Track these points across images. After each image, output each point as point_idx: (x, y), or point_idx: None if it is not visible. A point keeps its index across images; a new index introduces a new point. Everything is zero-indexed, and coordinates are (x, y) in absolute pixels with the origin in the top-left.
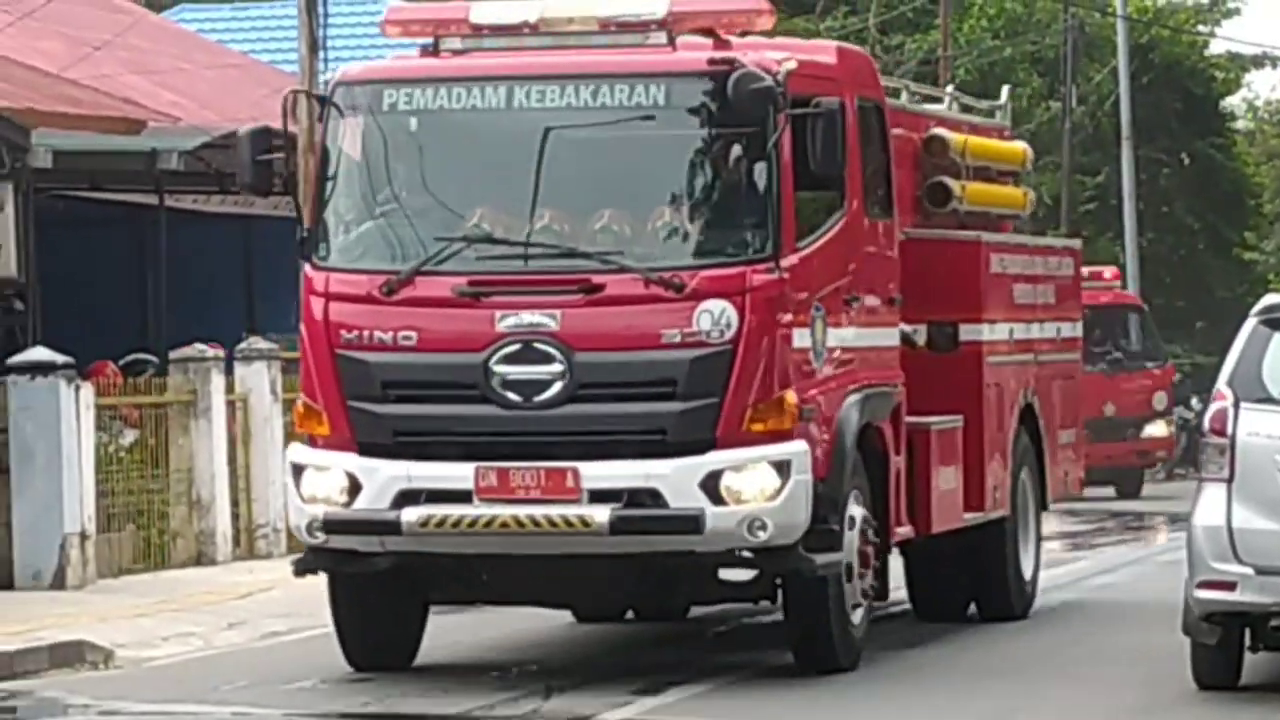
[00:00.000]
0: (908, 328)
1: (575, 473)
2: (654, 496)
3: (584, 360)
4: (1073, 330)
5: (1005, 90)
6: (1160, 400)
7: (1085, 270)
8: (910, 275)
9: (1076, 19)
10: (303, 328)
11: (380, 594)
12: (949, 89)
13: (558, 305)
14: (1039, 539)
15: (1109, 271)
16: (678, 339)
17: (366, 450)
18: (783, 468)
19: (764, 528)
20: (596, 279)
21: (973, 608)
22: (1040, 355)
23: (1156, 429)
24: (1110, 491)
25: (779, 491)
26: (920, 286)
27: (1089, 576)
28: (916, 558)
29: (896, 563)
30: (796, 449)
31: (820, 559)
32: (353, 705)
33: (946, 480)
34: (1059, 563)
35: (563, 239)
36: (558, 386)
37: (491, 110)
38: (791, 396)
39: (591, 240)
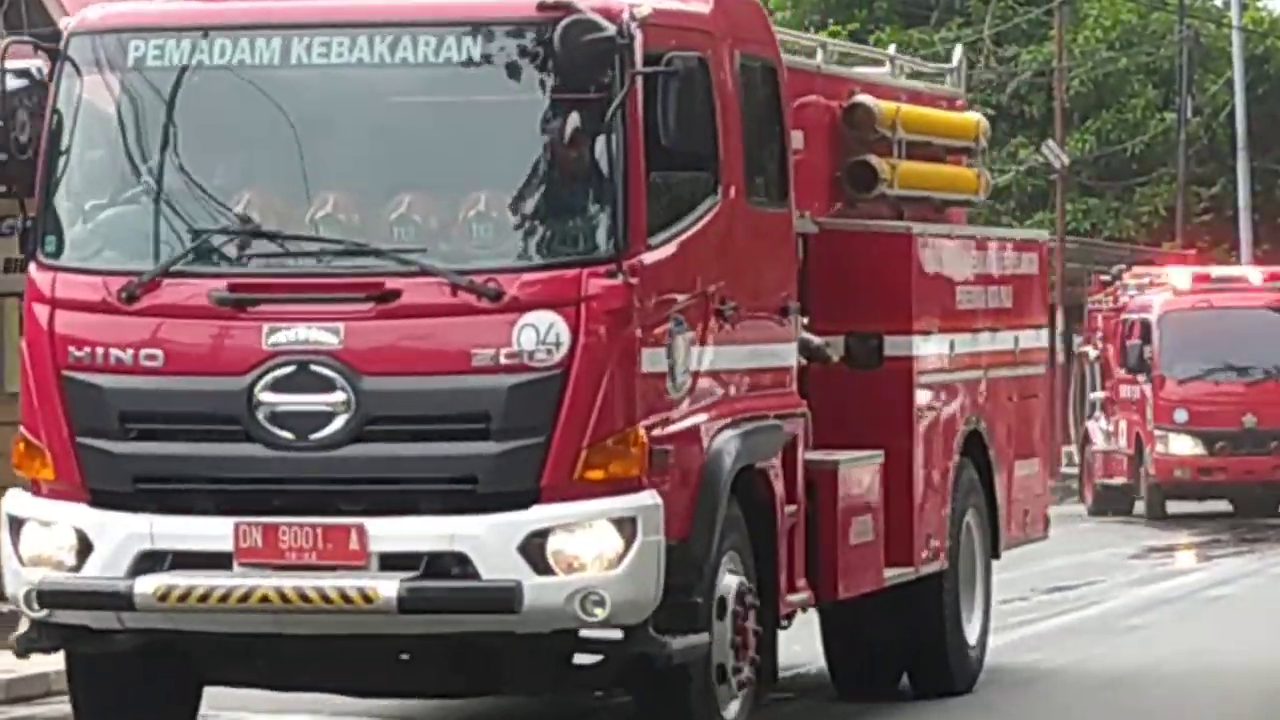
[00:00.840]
0: (819, 340)
1: (361, 531)
2: (461, 563)
3: (374, 388)
4: (1036, 340)
5: (958, 50)
6: None
7: (1221, 271)
8: (825, 275)
9: (1192, 30)
10: (23, 343)
11: (131, 676)
12: (893, 54)
13: (341, 317)
14: (989, 595)
15: (1259, 274)
16: (493, 361)
17: (100, 500)
18: (627, 526)
19: (601, 604)
20: (391, 284)
21: (906, 680)
22: (991, 371)
23: None
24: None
25: (621, 557)
26: (837, 289)
27: (1204, 587)
28: (834, 620)
29: (804, 631)
30: (645, 502)
31: (678, 642)
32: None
33: (861, 531)
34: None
35: (349, 232)
36: (340, 421)
37: (264, 67)
38: (640, 434)
39: (386, 234)
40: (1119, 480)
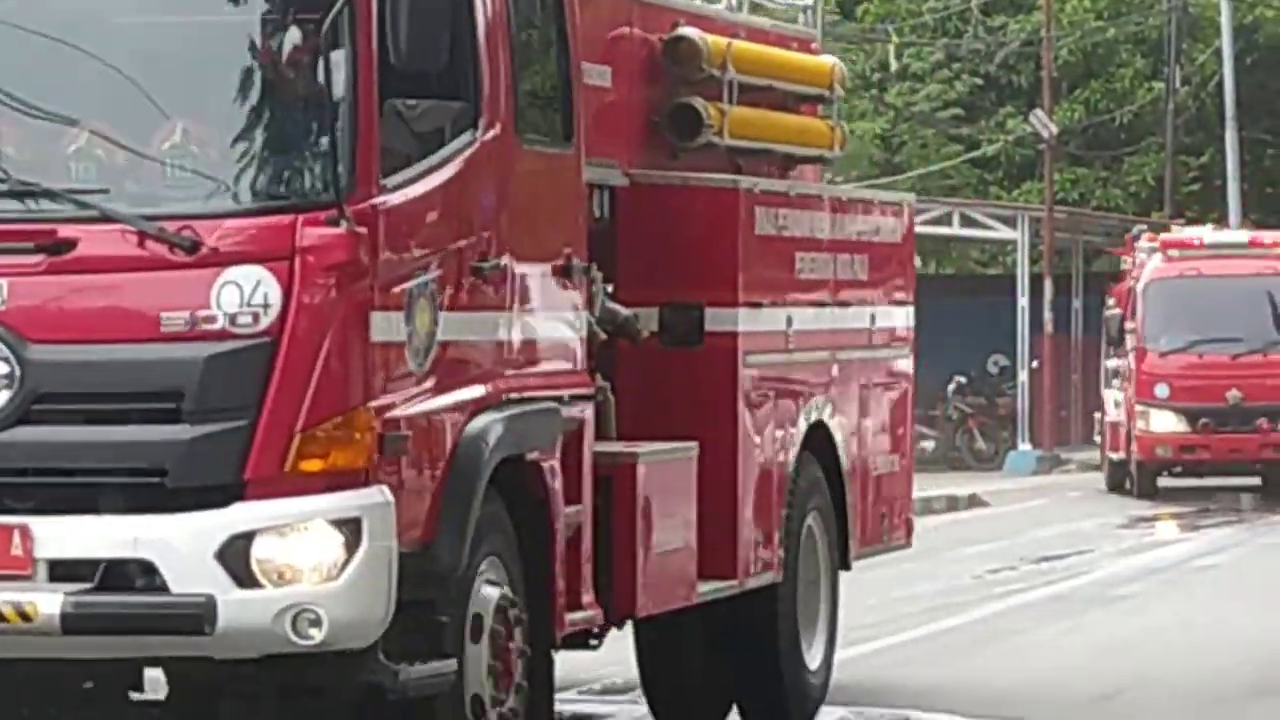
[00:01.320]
0: (627, 311)
1: (25, 533)
2: (146, 572)
3: (42, 358)
4: (900, 318)
5: None
6: None
7: (1216, 236)
8: (637, 236)
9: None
10: None
11: None
12: None
13: (3, 272)
14: (835, 612)
15: (1266, 238)
16: (187, 326)
17: None
18: (349, 529)
19: (317, 623)
20: (65, 232)
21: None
22: (842, 353)
23: None
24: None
25: (342, 566)
26: (651, 253)
27: (1194, 556)
28: (649, 642)
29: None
30: (372, 500)
31: (416, 670)
32: None
33: (668, 537)
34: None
35: (17, 169)
36: (0, 399)
37: None
38: (368, 416)
39: (62, 172)
40: (1119, 455)
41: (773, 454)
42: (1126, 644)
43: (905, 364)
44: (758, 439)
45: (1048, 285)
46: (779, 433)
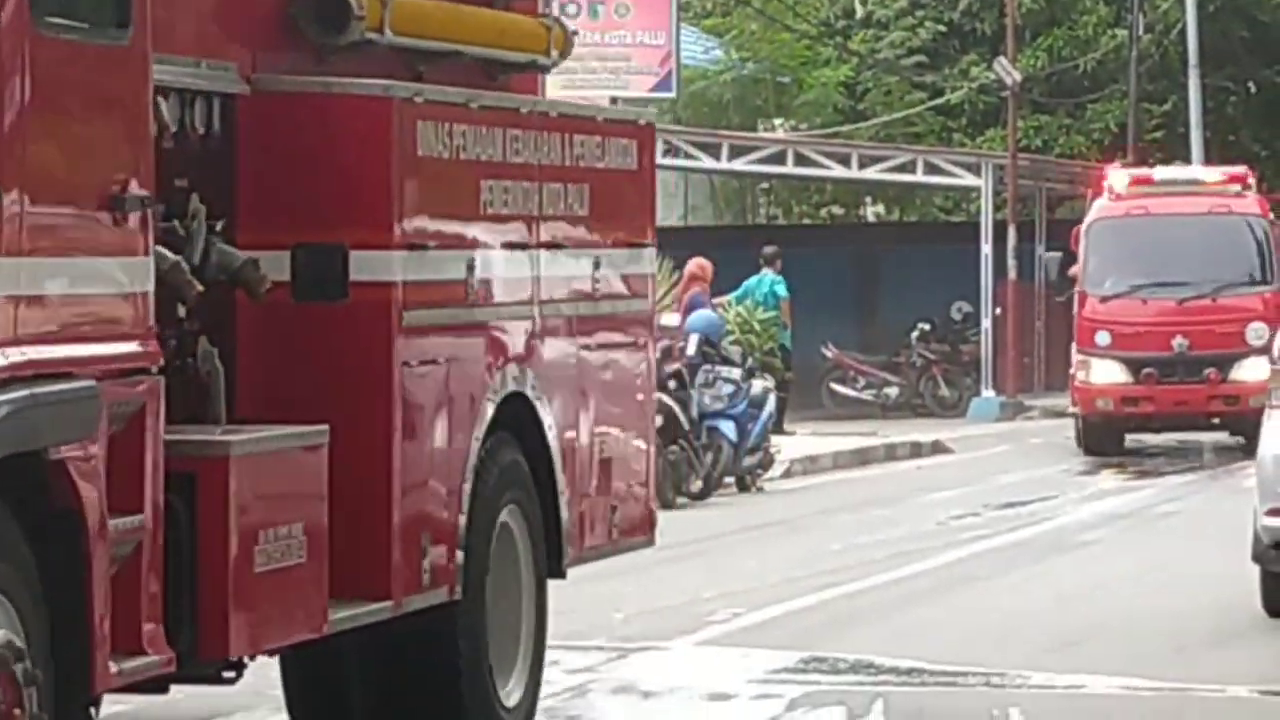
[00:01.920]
0: (244, 256)
1: None
2: None
3: None
4: (641, 263)
5: None
6: (1257, 333)
7: (1166, 173)
8: (261, 160)
9: None
10: None
11: None
12: None
13: None
14: (542, 631)
15: (1216, 174)
16: None
17: None
18: None
19: None
20: None
21: None
22: (552, 307)
23: (1251, 370)
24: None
25: None
26: (279, 181)
27: (1157, 501)
28: (298, 675)
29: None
30: None
31: None
32: None
33: (279, 550)
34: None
35: None
36: None
37: None
38: None
39: None
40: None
41: (446, 437)
42: (1089, 589)
43: (643, 320)
44: (421, 419)
45: (1011, 232)
46: (456, 410)
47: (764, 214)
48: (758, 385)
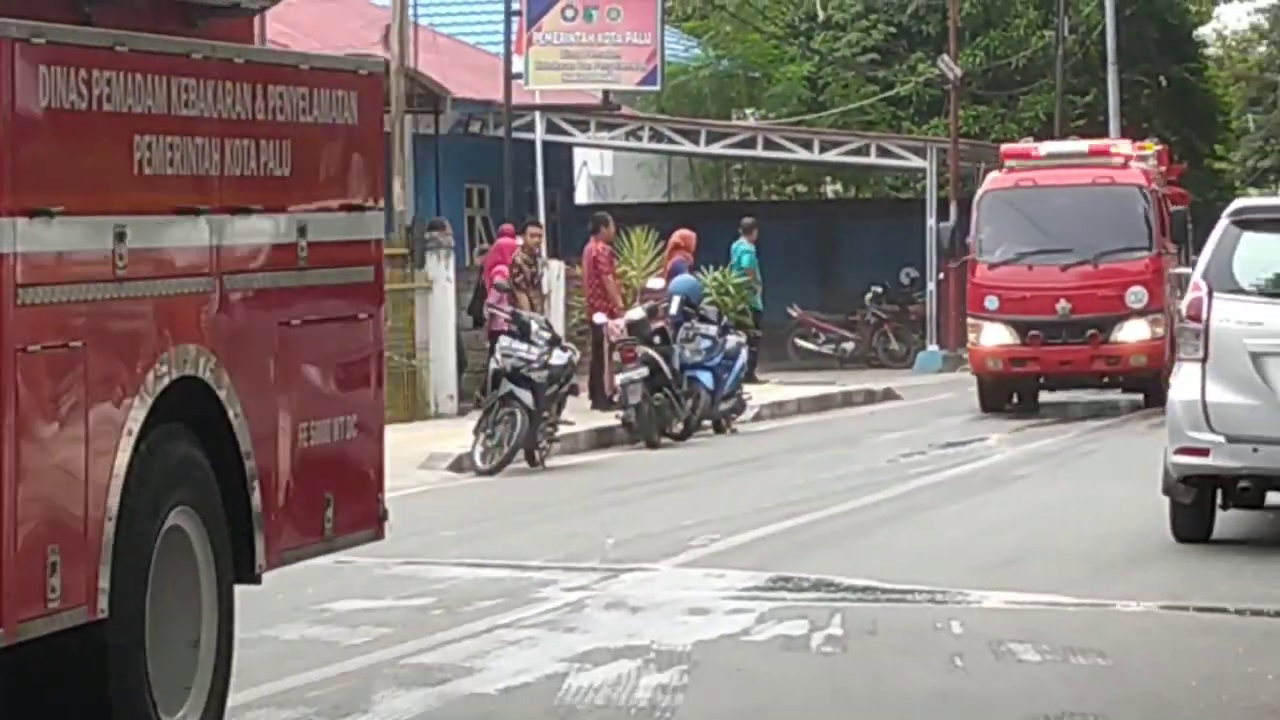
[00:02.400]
0: None
1: None
2: None
3: None
4: (364, 229)
5: None
6: (1137, 296)
7: (1053, 147)
8: None
9: None
10: None
11: None
12: None
13: None
14: (229, 654)
15: (1086, 144)
16: None
17: None
18: None
19: None
20: None
21: None
22: (240, 280)
23: (1130, 331)
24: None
25: None
26: None
27: (1081, 440)
28: None
29: None
30: None
31: None
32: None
33: None
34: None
35: None
36: None
37: None
38: None
39: None
40: None
41: (83, 433)
42: (1020, 518)
43: (368, 291)
44: (47, 413)
45: (953, 208)
46: (99, 401)
47: (737, 191)
48: (731, 340)
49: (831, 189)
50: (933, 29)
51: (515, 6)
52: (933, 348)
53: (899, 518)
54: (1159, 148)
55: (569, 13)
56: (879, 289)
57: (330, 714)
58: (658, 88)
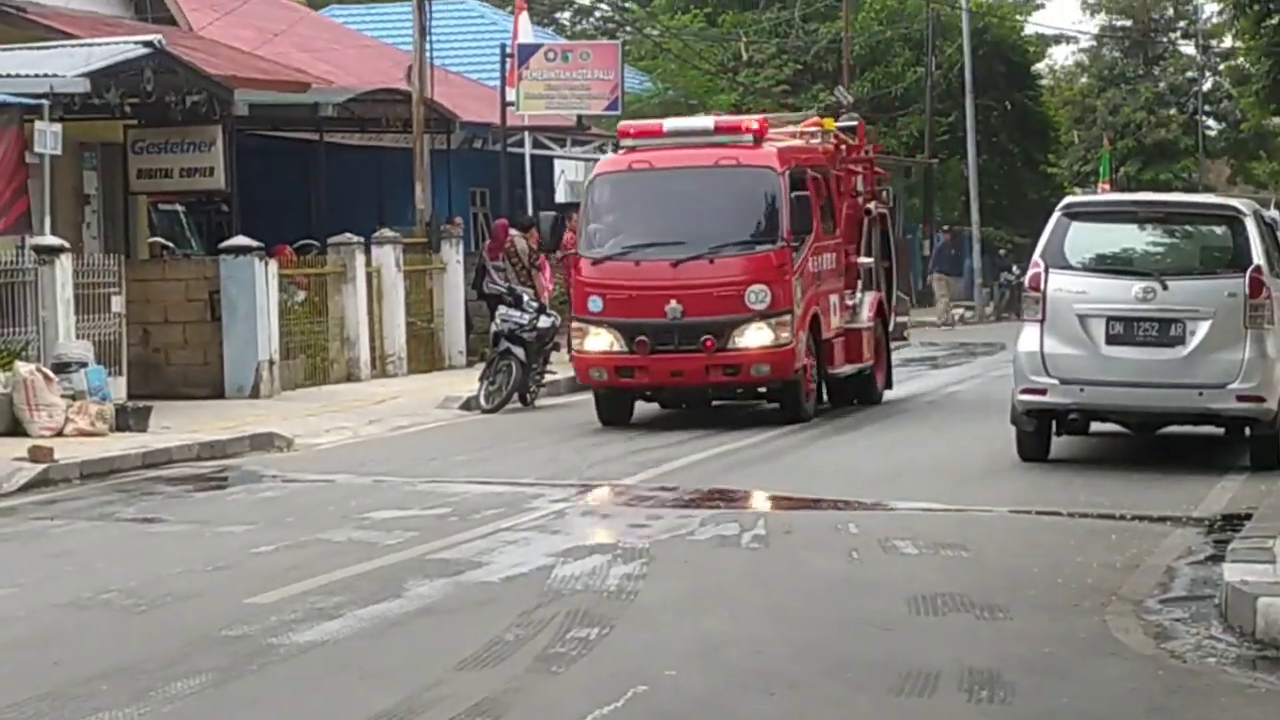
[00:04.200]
0: None
1: None
2: None
3: None
4: None
5: None
6: (758, 296)
7: (678, 123)
8: None
9: (934, 10)
10: None
11: None
12: None
13: None
14: None
15: (712, 120)
16: None
17: None
18: None
19: None
20: None
21: None
22: None
23: (751, 336)
24: None
25: None
26: None
27: (946, 385)
28: None
29: None
30: None
31: None
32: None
33: None
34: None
35: None
36: None
37: None
38: None
39: None
40: None
41: None
42: (900, 443)
43: None
44: None
45: None
46: None
47: None
48: None
49: None
50: (830, 65)
51: (509, 51)
52: None
53: (809, 443)
54: (854, 123)
55: (550, 55)
56: None
57: (371, 598)
58: (619, 112)
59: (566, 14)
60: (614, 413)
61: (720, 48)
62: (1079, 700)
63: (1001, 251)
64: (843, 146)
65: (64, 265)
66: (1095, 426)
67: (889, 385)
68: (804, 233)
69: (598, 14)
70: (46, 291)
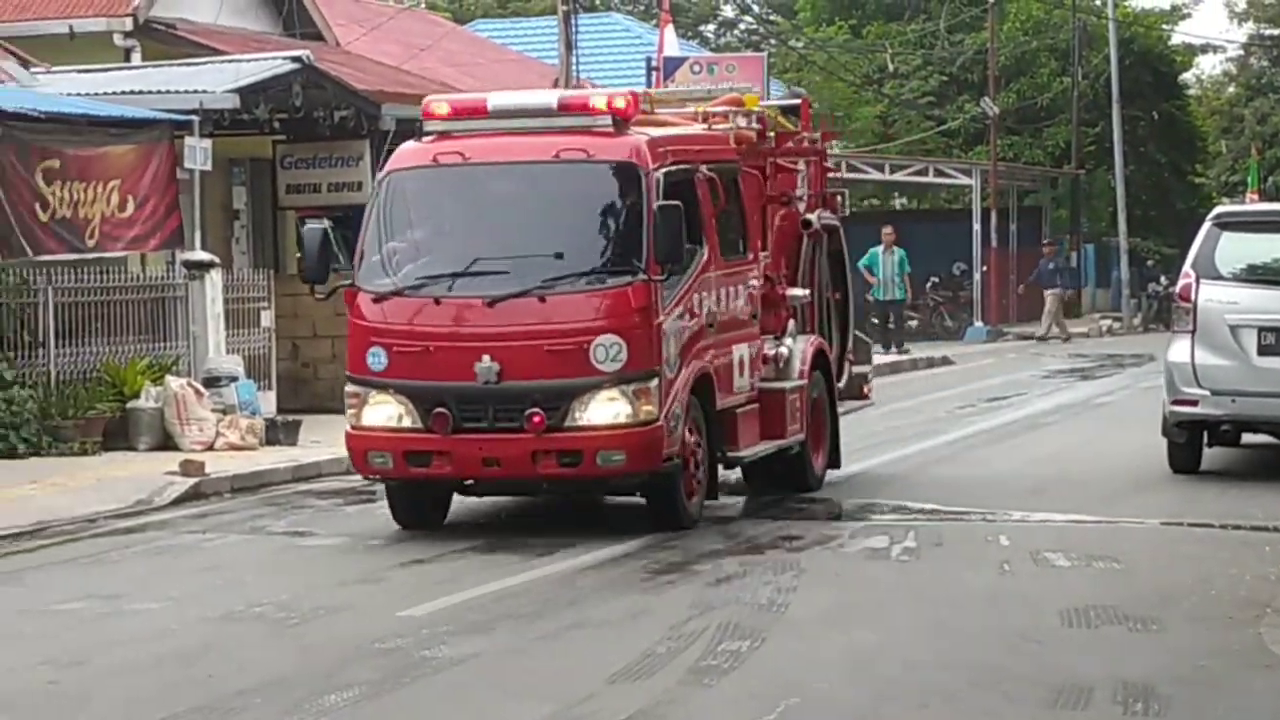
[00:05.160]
0: None
1: None
2: None
3: None
4: None
5: None
6: (609, 351)
7: (509, 99)
8: None
9: (1081, 21)
10: None
11: None
12: None
13: None
14: None
15: (555, 96)
16: None
17: None
18: None
19: None
20: None
21: None
22: None
23: (597, 410)
24: None
25: None
26: None
27: (1095, 397)
28: None
29: None
30: None
31: None
32: None
33: None
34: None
35: None
36: None
37: None
38: None
39: None
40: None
41: None
42: (1050, 455)
43: None
44: None
45: (993, 215)
46: None
47: None
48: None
49: (899, 202)
50: (976, 77)
51: (654, 64)
52: (978, 324)
53: (956, 456)
54: (794, 100)
55: (695, 68)
56: (936, 279)
57: (520, 611)
58: None
59: (711, 27)
60: (414, 512)
61: (865, 59)
62: (1234, 714)
63: (1150, 262)
64: (769, 134)
65: (214, 280)
66: (1247, 438)
67: (834, 463)
68: (673, 259)
69: (742, 26)
70: (197, 306)
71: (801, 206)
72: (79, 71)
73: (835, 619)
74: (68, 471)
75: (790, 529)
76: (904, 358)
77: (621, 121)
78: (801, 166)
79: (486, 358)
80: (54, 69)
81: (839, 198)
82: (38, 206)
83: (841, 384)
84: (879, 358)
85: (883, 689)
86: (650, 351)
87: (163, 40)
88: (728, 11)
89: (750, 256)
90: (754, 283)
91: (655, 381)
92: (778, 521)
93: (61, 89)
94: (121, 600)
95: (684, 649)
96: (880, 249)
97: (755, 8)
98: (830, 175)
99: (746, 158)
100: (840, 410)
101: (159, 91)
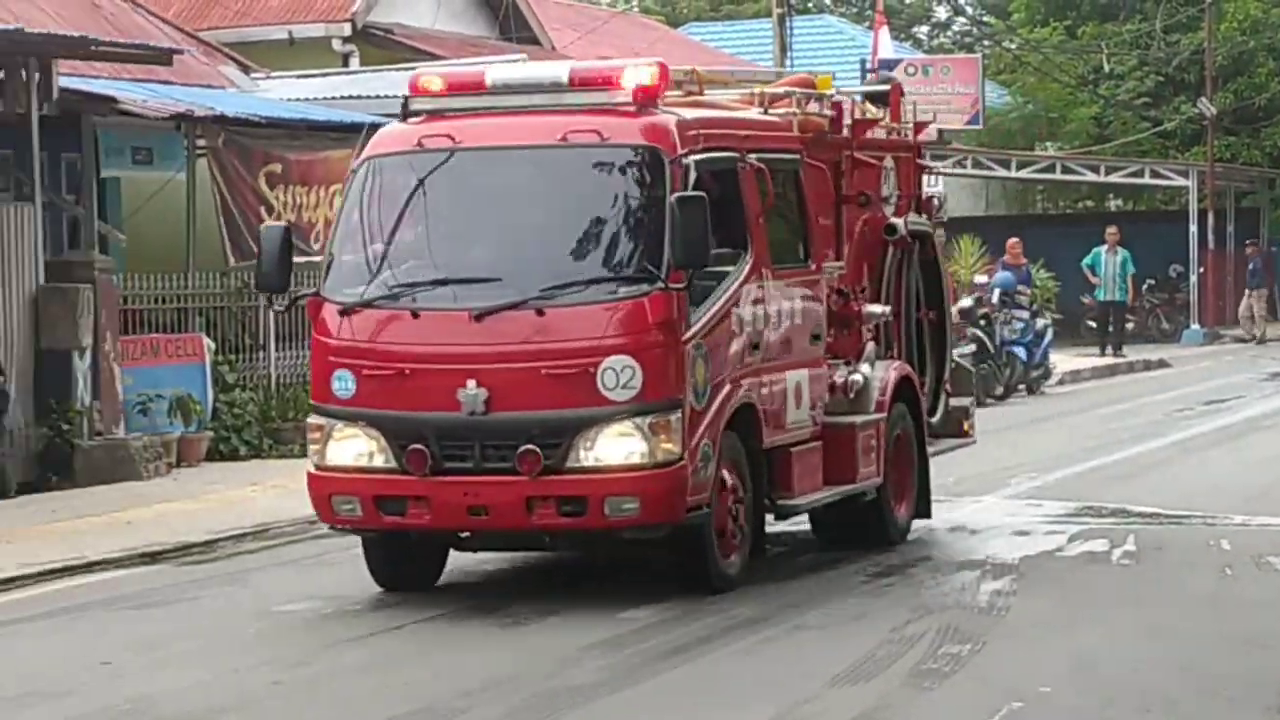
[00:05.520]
0: None
1: None
2: None
3: None
4: None
5: None
6: (619, 375)
7: (515, 73)
8: None
9: None
10: None
11: None
12: None
13: None
14: None
15: (565, 68)
16: None
17: None
18: None
19: None
20: None
21: None
22: None
23: (605, 447)
24: None
25: None
26: None
27: None
28: None
29: None
30: None
31: None
32: None
33: None
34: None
35: None
36: None
37: None
38: None
39: None
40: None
41: None
42: (1271, 458)
43: None
44: None
45: (1210, 217)
46: None
47: (1040, 206)
48: (1040, 322)
49: (1114, 204)
50: (1192, 77)
51: (869, 66)
52: (1195, 326)
53: (1176, 459)
54: (884, 86)
55: (910, 70)
56: (1152, 281)
57: (730, 610)
58: (980, 126)
59: (924, 28)
60: (397, 569)
61: (1080, 60)
62: None
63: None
64: (846, 123)
65: None
66: None
67: (923, 511)
68: (696, 263)
69: (955, 28)
70: None
71: (889, 210)
72: (298, 77)
73: (1056, 623)
74: (288, 473)
75: (1006, 527)
76: (1120, 360)
77: (646, 98)
78: (889, 163)
79: (472, 383)
80: (274, 74)
81: (936, 201)
82: (262, 210)
83: (935, 419)
84: (1095, 360)
85: (1105, 693)
86: (671, 376)
87: (380, 45)
88: (941, 13)
89: (813, 265)
90: (818, 296)
91: (677, 413)
92: (995, 519)
93: (281, 94)
94: (343, 601)
95: (904, 652)
96: (1104, 249)
97: (969, 9)
98: (926, 174)
99: (813, 149)
100: (932, 450)
101: (377, 96)
